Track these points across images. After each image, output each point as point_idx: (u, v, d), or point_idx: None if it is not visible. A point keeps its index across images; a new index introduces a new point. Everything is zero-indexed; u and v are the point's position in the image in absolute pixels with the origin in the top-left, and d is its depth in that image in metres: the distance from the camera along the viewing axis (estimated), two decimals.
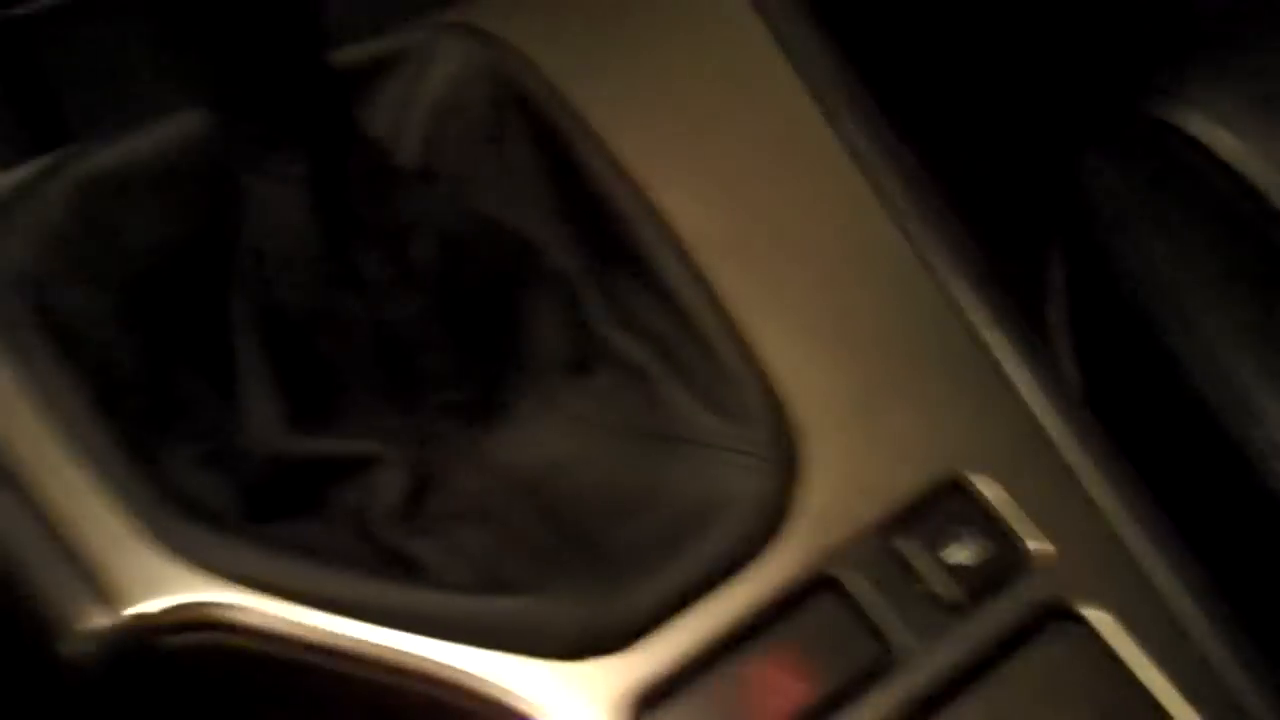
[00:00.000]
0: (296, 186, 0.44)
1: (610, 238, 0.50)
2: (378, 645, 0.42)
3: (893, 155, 0.52)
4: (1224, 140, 0.56)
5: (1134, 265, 0.54)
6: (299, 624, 0.42)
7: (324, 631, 0.42)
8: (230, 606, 0.42)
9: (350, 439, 0.47)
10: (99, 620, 0.41)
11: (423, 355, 0.48)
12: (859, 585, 0.43)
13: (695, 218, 0.50)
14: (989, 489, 0.46)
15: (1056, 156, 0.61)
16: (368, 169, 0.46)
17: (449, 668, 0.42)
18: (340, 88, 0.46)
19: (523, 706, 0.41)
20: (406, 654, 0.42)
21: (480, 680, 0.41)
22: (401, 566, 0.45)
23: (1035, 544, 0.45)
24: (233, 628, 0.42)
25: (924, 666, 0.43)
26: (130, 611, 0.41)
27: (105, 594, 0.41)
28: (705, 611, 0.43)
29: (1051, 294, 0.60)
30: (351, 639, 0.42)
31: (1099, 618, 0.44)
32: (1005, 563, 0.45)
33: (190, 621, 0.42)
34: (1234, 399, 0.50)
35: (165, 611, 0.42)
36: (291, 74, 0.42)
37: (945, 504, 0.45)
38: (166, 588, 0.42)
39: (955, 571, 0.44)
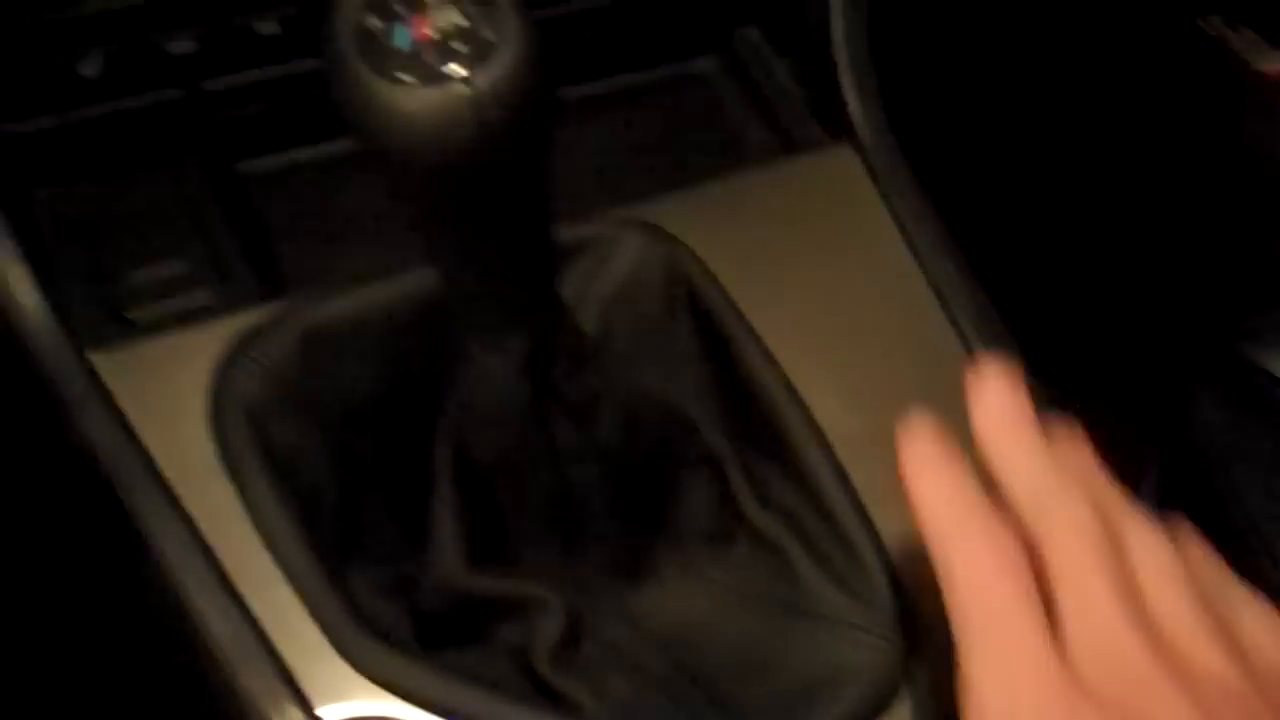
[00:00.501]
0: (514, 360, 0.48)
1: (757, 421, 0.55)
2: None
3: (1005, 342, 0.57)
4: None
5: (1227, 498, 0.58)
6: None
7: None
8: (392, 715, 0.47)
9: (519, 582, 0.51)
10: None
11: (591, 515, 0.53)
12: None
13: (834, 410, 0.55)
14: None
15: (1158, 381, 0.65)
16: (572, 350, 0.50)
17: None
18: (557, 275, 0.50)
19: None
20: None
21: None
22: (553, 701, 0.49)
23: None
24: None
25: None
26: (316, 714, 0.46)
27: (297, 698, 0.46)
28: None
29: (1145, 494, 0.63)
30: None
31: None
32: None
33: None
34: None
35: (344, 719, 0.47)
36: (531, 265, 0.47)
37: None
38: (346, 696, 0.47)
39: None
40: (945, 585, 0.43)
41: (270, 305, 0.54)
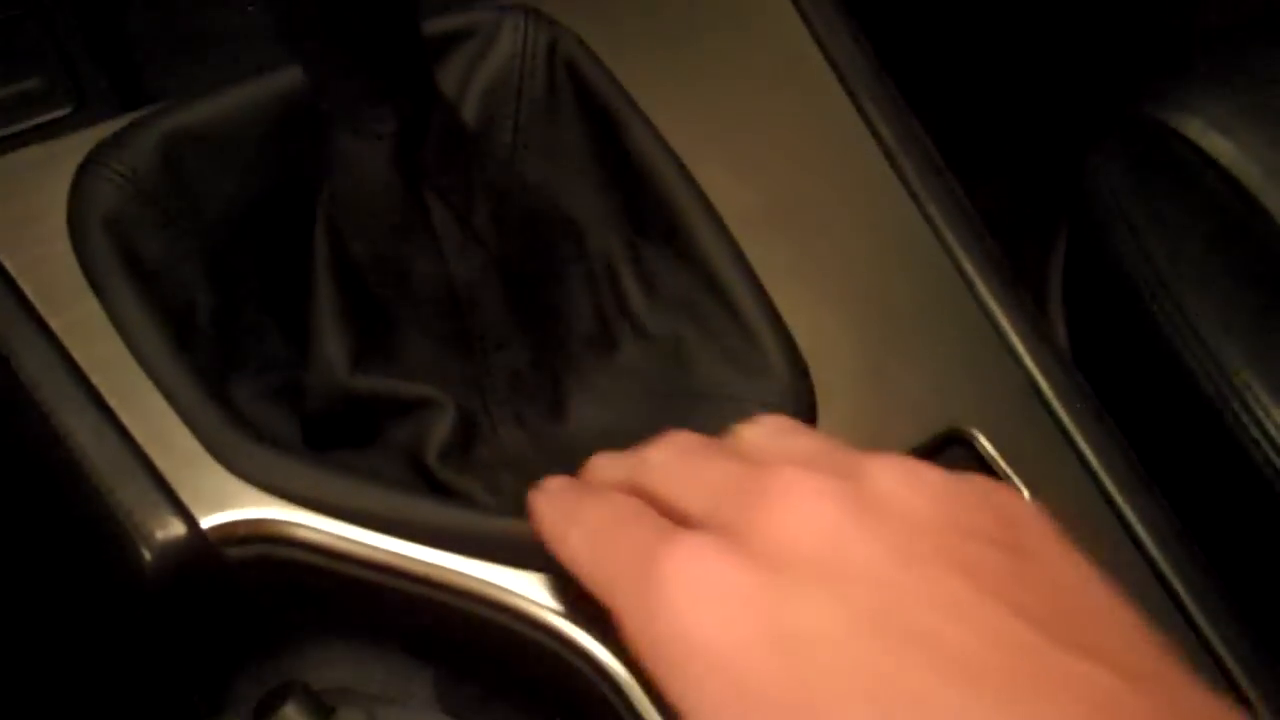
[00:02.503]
0: (384, 144, 0.44)
1: (649, 208, 0.51)
2: (422, 562, 0.43)
3: (912, 140, 0.53)
4: (1219, 144, 0.57)
5: (1131, 254, 0.55)
6: (346, 539, 0.43)
7: (370, 547, 0.43)
8: (284, 522, 0.43)
9: (409, 381, 0.48)
10: (172, 531, 0.43)
11: (478, 312, 0.49)
12: None
13: (729, 192, 0.51)
14: (986, 443, 0.47)
15: (1065, 152, 0.62)
16: (443, 133, 0.46)
17: (488, 584, 0.43)
18: (427, 55, 0.46)
19: (558, 623, 0.43)
20: (449, 571, 0.43)
21: (518, 597, 0.43)
22: (446, 496, 0.46)
23: (1026, 495, 0.46)
24: (288, 541, 0.43)
25: None
26: (197, 524, 0.43)
27: (176, 508, 0.43)
28: None
29: (1050, 277, 0.61)
30: (397, 555, 0.43)
31: None
32: None
33: (249, 535, 0.43)
34: (1219, 378, 0.51)
35: (226, 525, 0.43)
36: (391, 37, 0.43)
37: (945, 457, 0.46)
38: (229, 504, 0.43)
39: None
40: (580, 575, 0.37)
41: (129, 116, 0.50)
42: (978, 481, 0.34)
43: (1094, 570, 0.33)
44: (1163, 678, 0.30)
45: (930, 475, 0.34)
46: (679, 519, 0.36)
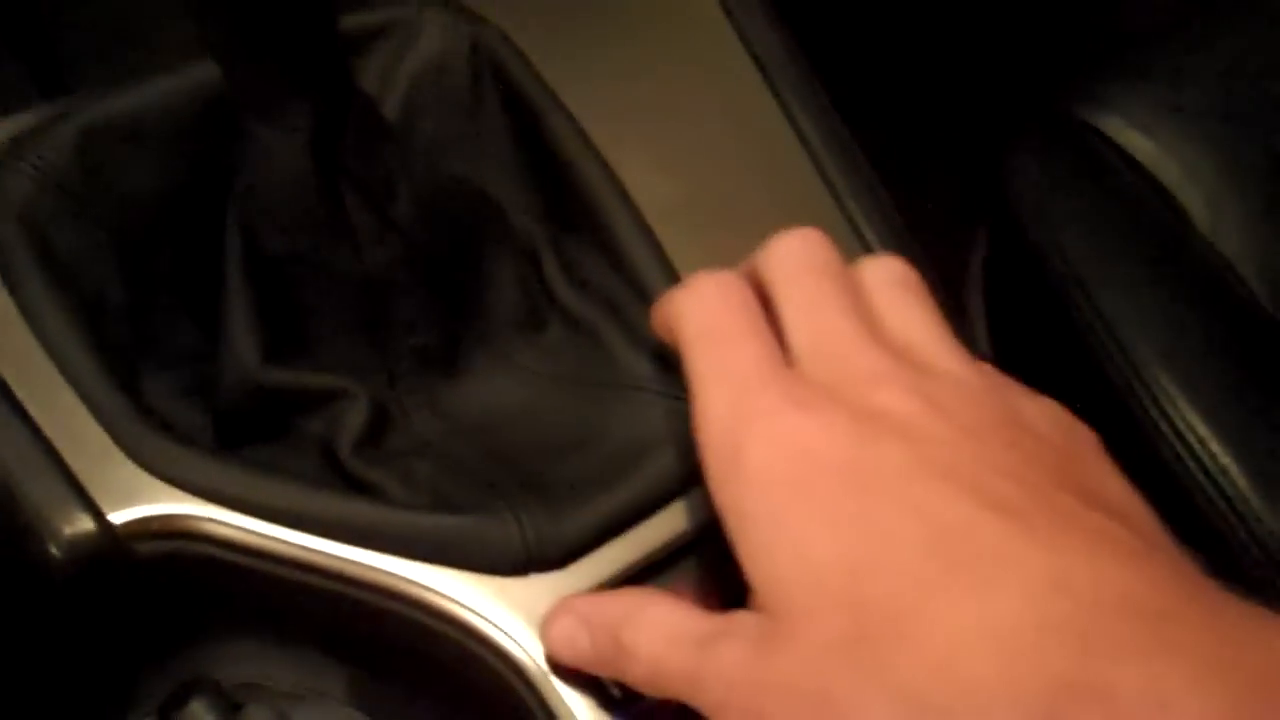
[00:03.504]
0: (298, 136, 0.43)
1: (571, 202, 0.51)
2: (332, 557, 0.42)
3: (834, 136, 0.53)
4: (1137, 141, 0.57)
5: (1049, 250, 0.55)
6: (257, 535, 0.42)
7: (281, 543, 0.42)
8: (195, 518, 0.42)
9: (320, 374, 0.47)
10: (79, 526, 0.42)
11: (393, 302, 0.48)
12: None
13: (650, 186, 0.50)
14: None
15: (986, 150, 0.62)
16: (361, 125, 0.45)
17: (399, 579, 0.42)
18: (343, 48, 0.45)
19: (467, 616, 0.42)
20: (360, 566, 0.42)
21: (430, 592, 0.42)
22: (360, 491, 0.45)
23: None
24: (199, 537, 0.42)
25: None
26: (106, 520, 0.42)
27: (85, 504, 0.42)
28: (637, 536, 0.44)
29: (971, 275, 0.61)
30: (308, 551, 0.42)
31: None
32: None
33: (159, 531, 0.42)
34: (1131, 374, 0.51)
35: (136, 521, 0.42)
36: (304, 29, 0.42)
37: None
38: (138, 499, 0.42)
39: None
40: (676, 329, 0.41)
41: (44, 106, 0.49)
42: (1049, 402, 0.40)
43: (1133, 489, 0.38)
44: (1181, 560, 0.34)
45: (1013, 385, 0.40)
46: (779, 333, 0.40)
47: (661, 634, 0.38)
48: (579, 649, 0.40)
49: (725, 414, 0.38)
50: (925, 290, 0.42)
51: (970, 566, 0.32)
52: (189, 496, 0.43)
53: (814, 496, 0.35)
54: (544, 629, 0.41)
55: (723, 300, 0.41)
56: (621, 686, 0.40)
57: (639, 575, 0.43)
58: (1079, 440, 0.39)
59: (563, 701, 0.41)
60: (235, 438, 0.46)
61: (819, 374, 0.38)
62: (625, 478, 0.44)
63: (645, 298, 0.48)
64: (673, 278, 0.48)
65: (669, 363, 0.47)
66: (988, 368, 0.40)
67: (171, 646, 0.47)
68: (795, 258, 0.41)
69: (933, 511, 0.33)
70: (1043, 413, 0.39)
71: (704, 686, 0.36)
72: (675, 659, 0.37)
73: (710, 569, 0.44)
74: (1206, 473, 0.49)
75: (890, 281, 0.42)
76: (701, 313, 0.41)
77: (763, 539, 0.36)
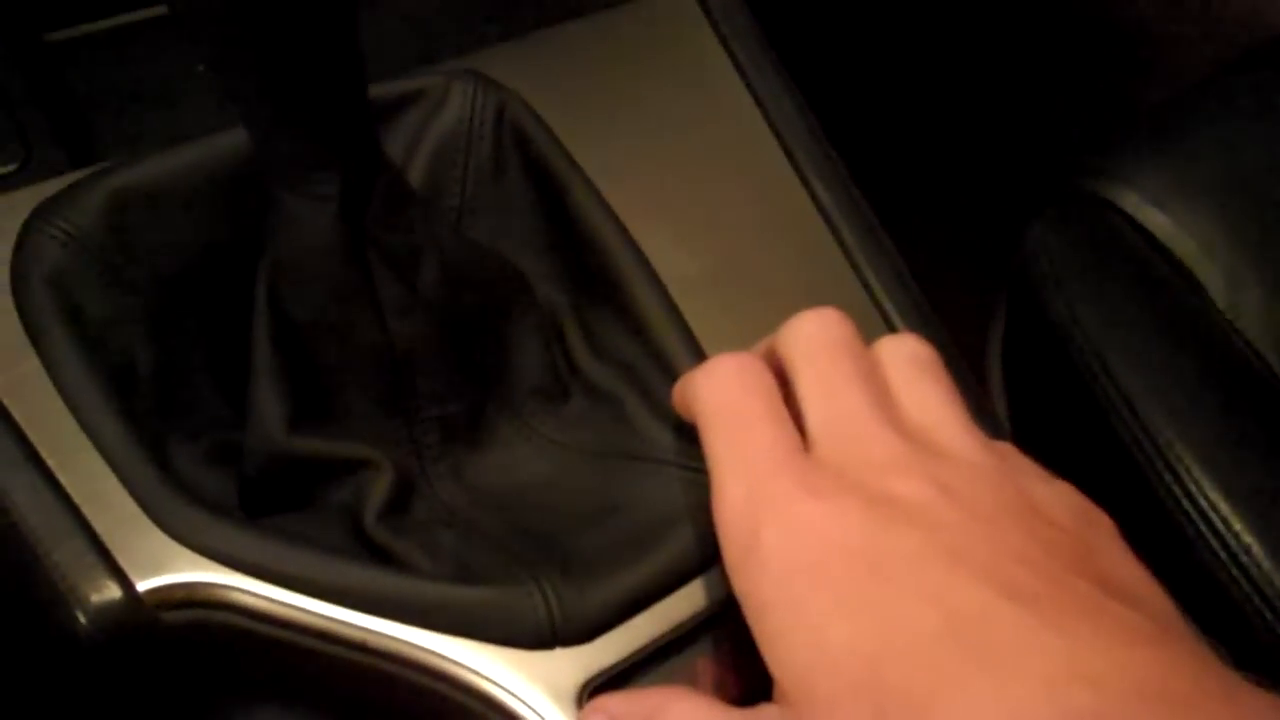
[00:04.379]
0: (327, 205, 0.43)
1: (593, 271, 0.51)
2: (356, 628, 0.42)
3: (854, 208, 0.53)
4: (1154, 218, 0.57)
5: (1067, 323, 0.55)
6: (284, 605, 0.42)
7: (306, 613, 0.42)
8: (221, 586, 0.42)
9: (346, 443, 0.47)
10: (107, 594, 0.41)
11: (418, 373, 0.48)
12: None
13: (669, 254, 0.50)
14: None
15: (1006, 224, 0.62)
16: (388, 194, 0.45)
17: (423, 650, 0.42)
18: (372, 117, 0.46)
19: (489, 689, 0.41)
20: (384, 638, 0.42)
21: (453, 664, 0.42)
22: (385, 560, 0.45)
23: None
24: (225, 606, 0.42)
25: None
26: (135, 587, 0.42)
27: (112, 571, 0.42)
28: (662, 610, 0.43)
29: (990, 346, 0.61)
30: (331, 621, 0.42)
31: None
32: None
33: (185, 599, 0.42)
34: (1151, 449, 0.51)
35: (163, 589, 0.42)
36: (335, 99, 0.42)
37: None
38: (166, 568, 0.42)
39: None
40: (695, 411, 0.41)
41: (76, 174, 0.49)
42: (1065, 487, 0.39)
43: (1150, 574, 0.37)
44: (1200, 648, 0.33)
45: (1029, 469, 0.39)
46: (794, 410, 0.40)
47: None
48: None
49: (741, 500, 0.38)
50: (942, 369, 0.42)
51: (988, 654, 0.32)
52: (216, 565, 0.42)
53: (830, 584, 0.35)
54: None
55: (740, 382, 0.41)
56: None
57: (663, 650, 0.43)
58: (1096, 526, 0.38)
59: None
60: (261, 506, 0.46)
61: (834, 458, 0.38)
62: (648, 553, 0.44)
63: (667, 369, 0.48)
64: (694, 348, 0.48)
65: (690, 436, 0.47)
66: (1005, 449, 0.40)
67: (195, 715, 0.46)
68: (813, 337, 0.41)
69: (949, 598, 0.33)
70: (1059, 498, 0.38)
71: None
72: None
73: (735, 644, 0.43)
74: (1230, 552, 0.49)
75: (908, 360, 0.41)
76: (719, 394, 0.41)
77: (781, 626, 0.35)
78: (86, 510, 0.43)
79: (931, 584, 0.34)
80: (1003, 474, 0.38)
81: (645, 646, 0.43)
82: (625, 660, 0.42)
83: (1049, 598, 0.33)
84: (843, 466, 0.37)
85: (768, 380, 0.41)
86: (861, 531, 0.35)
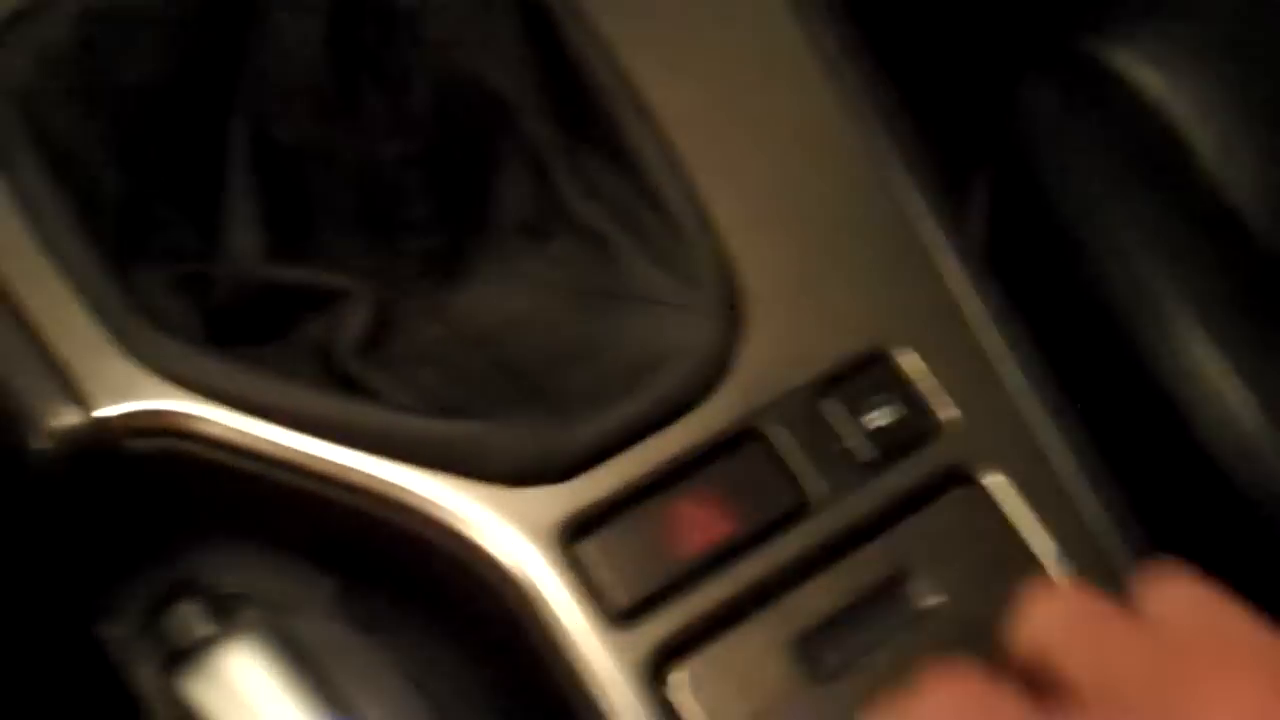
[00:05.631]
0: (318, 19, 0.42)
1: (584, 108, 0.48)
2: (325, 460, 0.40)
3: (852, 53, 0.50)
4: (1148, 76, 0.55)
5: (1057, 182, 0.53)
6: (251, 435, 0.40)
7: (275, 445, 0.40)
8: (188, 415, 0.40)
9: (322, 272, 0.45)
10: (67, 419, 0.39)
11: (401, 200, 0.46)
12: (782, 439, 0.42)
13: (666, 96, 0.48)
14: (908, 361, 0.44)
15: (996, 85, 0.60)
16: (379, 10, 0.43)
17: (393, 485, 0.40)
18: None
19: (462, 527, 0.40)
20: (352, 470, 0.40)
21: (423, 499, 0.40)
22: (358, 393, 0.43)
23: (945, 413, 0.44)
24: (189, 435, 0.40)
25: (835, 516, 0.42)
26: (95, 414, 0.40)
27: (74, 396, 0.40)
28: (642, 451, 0.41)
29: (974, 209, 0.59)
30: (301, 452, 0.40)
31: (995, 481, 0.43)
32: (916, 428, 0.43)
33: (150, 427, 0.40)
34: (1142, 303, 0.50)
35: (126, 415, 0.40)
36: None
37: (867, 372, 0.44)
38: (129, 393, 0.40)
39: (871, 433, 0.43)
40: None
41: None
42: None
43: None
44: None
45: None
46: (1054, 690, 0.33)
47: None
48: None
49: None
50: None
51: None
52: (183, 392, 0.40)
53: None
54: None
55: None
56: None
57: (641, 493, 0.41)
58: None
59: (556, 616, 0.39)
60: (230, 337, 0.44)
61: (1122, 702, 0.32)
62: (634, 390, 0.42)
63: (659, 207, 0.46)
64: (687, 187, 0.46)
65: (683, 273, 0.45)
66: None
67: (157, 550, 0.44)
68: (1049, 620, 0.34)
69: None
70: None
71: None
72: None
73: (719, 484, 0.42)
74: (1215, 410, 0.48)
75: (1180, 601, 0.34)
76: None
77: None
78: (48, 333, 0.41)
79: None
80: None
81: (627, 486, 0.41)
82: (606, 500, 0.41)
83: None
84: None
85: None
86: None
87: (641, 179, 0.47)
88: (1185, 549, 0.45)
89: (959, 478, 0.44)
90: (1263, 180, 0.54)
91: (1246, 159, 0.55)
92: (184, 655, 0.39)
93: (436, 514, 0.40)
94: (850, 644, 0.41)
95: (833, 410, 0.43)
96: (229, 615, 0.40)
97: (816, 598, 0.41)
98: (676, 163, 0.47)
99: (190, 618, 0.39)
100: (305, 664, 0.39)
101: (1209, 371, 0.47)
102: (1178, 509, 0.48)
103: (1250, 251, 0.54)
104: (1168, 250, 0.50)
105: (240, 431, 0.40)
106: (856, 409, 0.43)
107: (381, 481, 0.40)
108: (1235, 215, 0.53)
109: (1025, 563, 0.43)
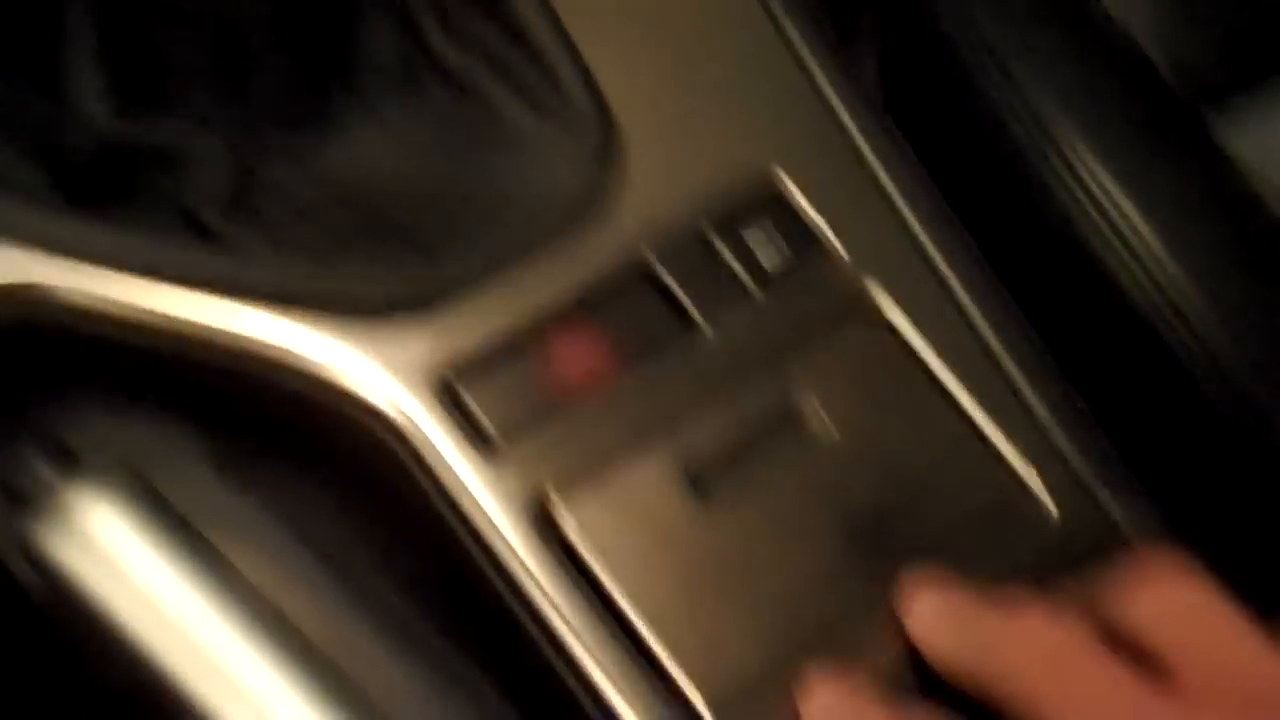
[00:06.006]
0: None
1: None
2: (178, 319, 0.38)
3: None
4: None
5: (955, 19, 0.52)
6: (114, 294, 0.38)
7: (141, 299, 0.37)
8: (47, 278, 0.37)
9: (177, 128, 0.42)
10: None
11: (257, 55, 0.44)
12: (668, 269, 0.41)
13: None
14: (795, 191, 0.43)
15: None
16: None
17: (256, 337, 0.38)
18: None
19: (331, 373, 0.38)
20: (214, 325, 0.38)
21: (287, 349, 0.38)
22: (221, 247, 0.41)
23: (834, 241, 0.42)
24: (49, 297, 0.37)
25: (725, 345, 0.40)
26: None
27: None
28: (514, 280, 0.39)
29: (863, 41, 0.57)
30: (166, 310, 0.38)
31: (887, 307, 0.42)
32: (805, 257, 0.42)
33: (5, 293, 0.37)
34: (1045, 142, 0.48)
35: None
36: None
37: (755, 204, 0.42)
38: None
39: (759, 263, 0.41)
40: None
41: None
42: None
43: None
44: None
45: None
46: None
47: None
48: None
49: None
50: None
51: None
52: (39, 254, 0.37)
53: None
54: None
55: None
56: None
57: (517, 324, 0.39)
58: None
59: (437, 452, 0.37)
60: (83, 200, 0.41)
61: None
62: (506, 215, 0.40)
63: (532, 51, 0.44)
64: (559, 30, 0.44)
65: (556, 113, 0.43)
66: None
67: (12, 413, 0.42)
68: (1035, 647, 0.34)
69: None
70: None
71: None
72: None
73: (598, 321, 0.40)
74: (1135, 256, 0.46)
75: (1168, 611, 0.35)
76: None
77: None
78: None
79: None
80: None
81: (492, 318, 0.39)
82: (482, 337, 0.39)
83: None
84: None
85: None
86: None
87: (512, 22, 0.44)
88: (1078, 364, 0.44)
89: (851, 305, 0.42)
90: (1155, 11, 0.53)
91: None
92: (25, 497, 0.36)
93: (303, 363, 0.38)
94: (743, 476, 0.39)
95: (720, 241, 0.42)
96: (78, 463, 0.37)
97: (709, 430, 0.39)
98: (548, 6, 0.45)
99: (33, 458, 0.37)
100: (169, 515, 0.37)
101: (1129, 224, 0.46)
102: (1080, 335, 0.47)
103: (1159, 95, 0.52)
104: (1083, 104, 0.49)
105: (102, 292, 0.38)
106: (744, 240, 0.42)
107: (243, 334, 0.38)
108: (1130, 44, 0.52)
109: (922, 391, 0.41)
